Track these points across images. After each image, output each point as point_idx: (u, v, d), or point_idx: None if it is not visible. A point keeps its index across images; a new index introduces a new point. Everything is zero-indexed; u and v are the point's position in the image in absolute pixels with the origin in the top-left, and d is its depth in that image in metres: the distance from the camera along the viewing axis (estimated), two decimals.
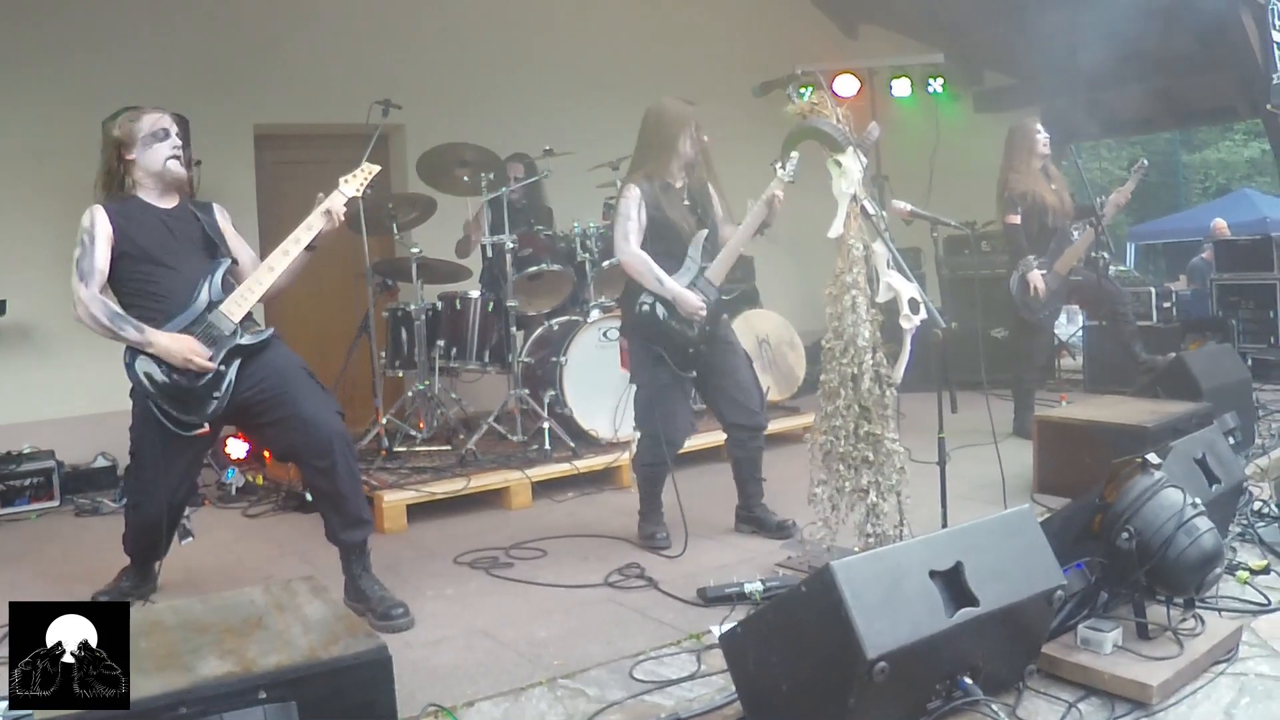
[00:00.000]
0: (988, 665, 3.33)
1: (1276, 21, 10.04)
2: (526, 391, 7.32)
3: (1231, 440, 5.62)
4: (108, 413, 6.68)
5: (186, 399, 4.38)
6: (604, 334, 6.63)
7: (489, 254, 7.82)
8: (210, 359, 4.37)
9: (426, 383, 7.34)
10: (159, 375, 4.35)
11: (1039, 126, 7.98)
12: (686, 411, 5.69)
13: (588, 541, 5.76)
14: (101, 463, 7.51)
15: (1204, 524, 3.77)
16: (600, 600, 4.77)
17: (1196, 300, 13.43)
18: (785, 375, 9.00)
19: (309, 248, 4.60)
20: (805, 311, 8.87)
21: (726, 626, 3.60)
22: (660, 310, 5.36)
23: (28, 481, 7.01)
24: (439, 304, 7.44)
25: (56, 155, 7.43)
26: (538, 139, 7.83)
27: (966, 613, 3.17)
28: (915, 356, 4.69)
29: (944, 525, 4.52)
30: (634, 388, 5.68)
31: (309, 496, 5.18)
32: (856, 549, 4.55)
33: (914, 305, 4.58)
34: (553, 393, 7.24)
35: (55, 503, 7.06)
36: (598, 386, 7.14)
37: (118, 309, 4.39)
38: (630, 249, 5.38)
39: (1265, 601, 4.36)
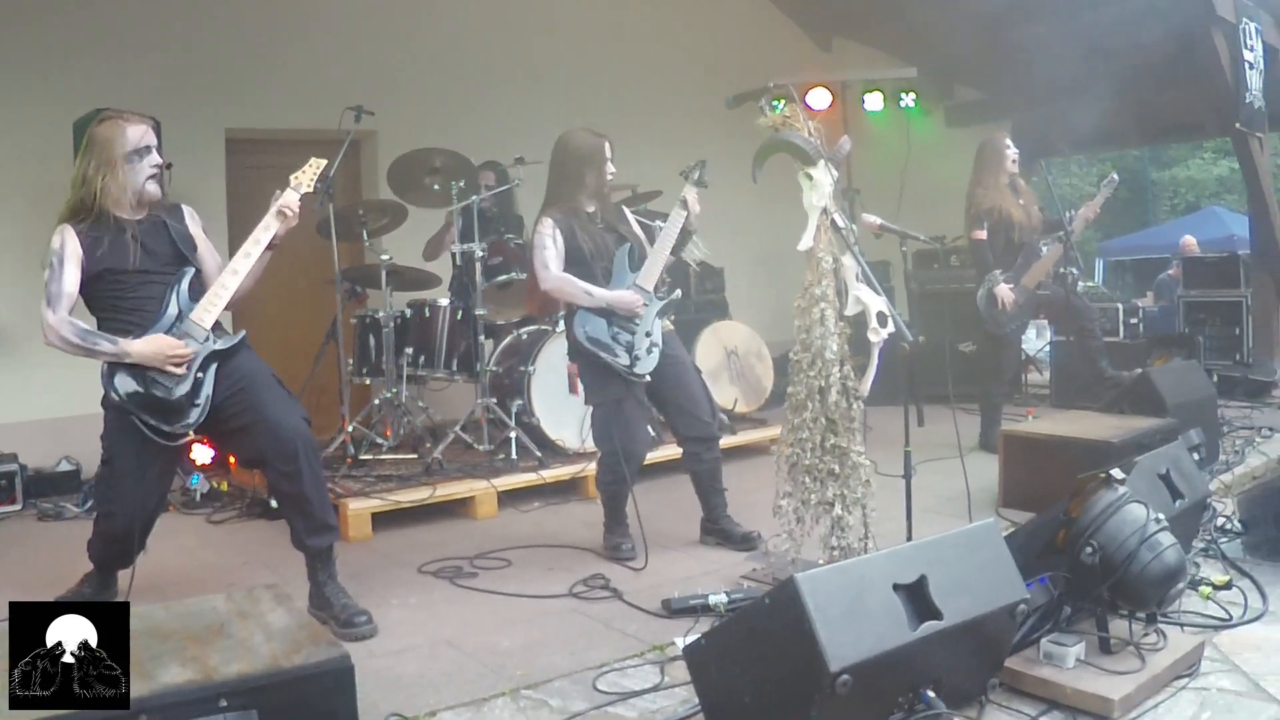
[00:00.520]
0: (951, 678, 3.33)
1: (1248, 41, 10.12)
2: (494, 400, 7.30)
3: (1196, 456, 5.65)
4: (72, 416, 6.67)
5: (168, 409, 4.35)
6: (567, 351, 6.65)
7: (459, 262, 7.79)
8: (188, 366, 4.36)
9: (394, 390, 7.31)
10: (138, 388, 4.32)
11: (1008, 142, 8.01)
12: (644, 425, 5.73)
13: (553, 552, 5.74)
14: (65, 467, 7.46)
15: (1167, 539, 3.79)
16: (564, 611, 4.76)
17: (1164, 316, 13.52)
18: (753, 387, 9.02)
19: (269, 247, 4.58)
20: (774, 323, 8.90)
21: (690, 638, 3.58)
22: (599, 321, 5.43)
23: None
24: (408, 311, 7.40)
25: (25, 158, 7.40)
26: (510, 147, 7.82)
27: (930, 626, 3.17)
28: (883, 370, 4.70)
29: (909, 538, 4.53)
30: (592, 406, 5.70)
31: (274, 503, 5.17)
32: (821, 561, 4.56)
33: (882, 319, 4.59)
34: (520, 402, 7.23)
35: (18, 506, 7.00)
36: (565, 396, 7.13)
37: (87, 326, 4.36)
38: (552, 273, 5.45)
39: (1227, 616, 4.39)
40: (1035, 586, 3.76)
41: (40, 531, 6.57)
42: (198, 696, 2.71)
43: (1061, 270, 8.14)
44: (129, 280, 4.42)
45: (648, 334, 5.49)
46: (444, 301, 7.43)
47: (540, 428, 7.21)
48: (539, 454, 7.08)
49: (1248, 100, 10.24)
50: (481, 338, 7.32)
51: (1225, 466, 6.98)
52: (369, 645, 4.31)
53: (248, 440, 4.53)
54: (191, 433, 4.45)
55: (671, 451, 6.73)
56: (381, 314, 7.28)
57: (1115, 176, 8.46)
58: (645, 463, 5.84)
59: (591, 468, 6.43)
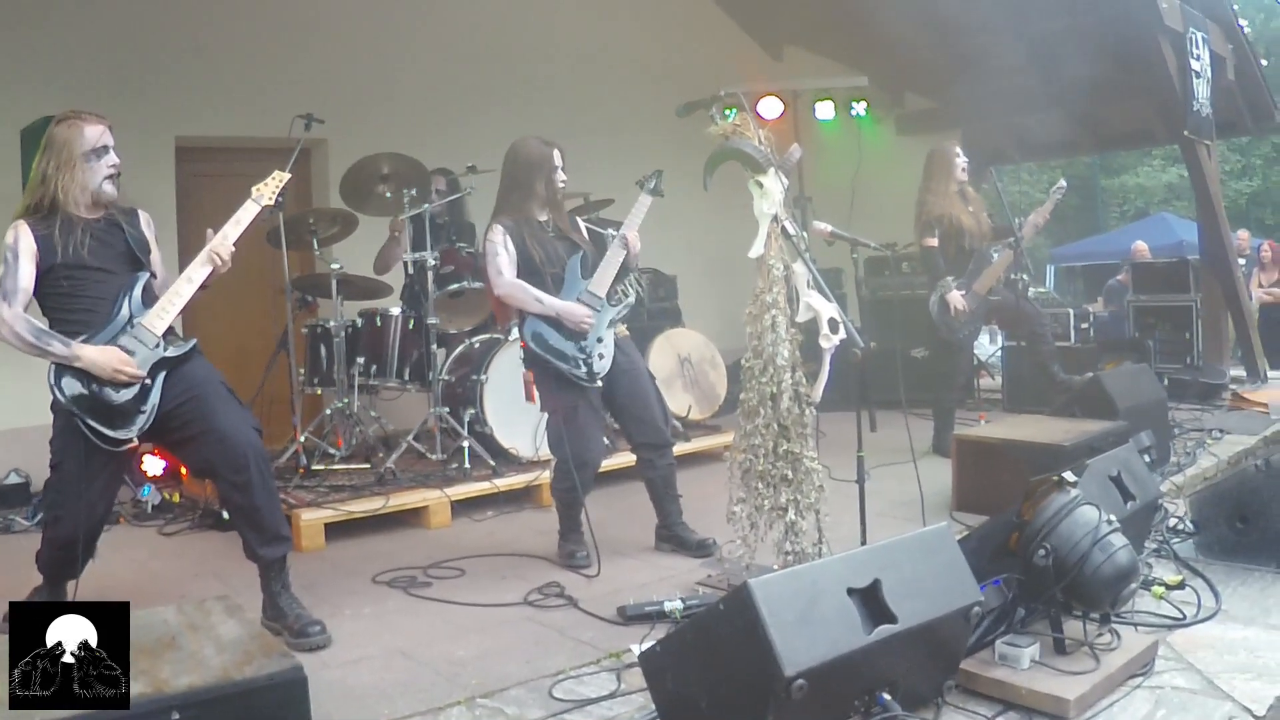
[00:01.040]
0: (906, 681, 3.34)
1: (1195, 50, 10.24)
2: (446, 410, 7.27)
3: (1147, 458, 5.70)
4: (20, 428, 6.59)
5: (113, 414, 4.31)
6: (521, 358, 6.63)
7: (410, 270, 7.76)
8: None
9: (346, 400, 7.27)
10: (84, 390, 4.28)
11: (958, 150, 8.07)
12: (599, 432, 5.73)
13: (507, 560, 5.72)
14: (14, 479, 7.35)
15: (1119, 540, 3.83)
16: (519, 619, 4.74)
17: (1114, 322, 13.68)
18: (706, 394, 9.02)
19: (202, 286, 4.57)
20: (727, 331, 8.89)
21: (646, 645, 3.59)
22: (550, 328, 5.45)
23: None
24: (359, 321, 7.37)
25: None
26: (462, 155, 7.80)
27: (885, 629, 3.18)
28: (835, 376, 4.72)
29: (863, 543, 4.54)
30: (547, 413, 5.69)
31: (226, 514, 5.12)
32: (775, 567, 4.56)
33: (833, 325, 4.61)
34: (473, 411, 7.21)
35: None
36: (518, 405, 7.06)
37: (42, 325, 4.32)
38: (504, 280, 5.48)
39: (1180, 616, 4.44)
40: (989, 589, 3.78)
41: None
42: (149, 709, 2.67)
43: (1013, 276, 8.20)
44: (81, 278, 4.37)
45: (599, 340, 5.50)
46: (395, 310, 7.40)
47: (493, 437, 7.19)
48: (492, 463, 7.05)
49: (1195, 108, 10.37)
50: (434, 347, 7.29)
51: (1177, 468, 7.06)
52: (323, 656, 4.28)
53: (198, 450, 4.49)
54: (137, 439, 4.40)
55: (626, 459, 6.71)
56: (333, 323, 7.24)
57: (1063, 183, 8.55)
58: (600, 470, 5.83)
59: (545, 476, 6.42)
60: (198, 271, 4.51)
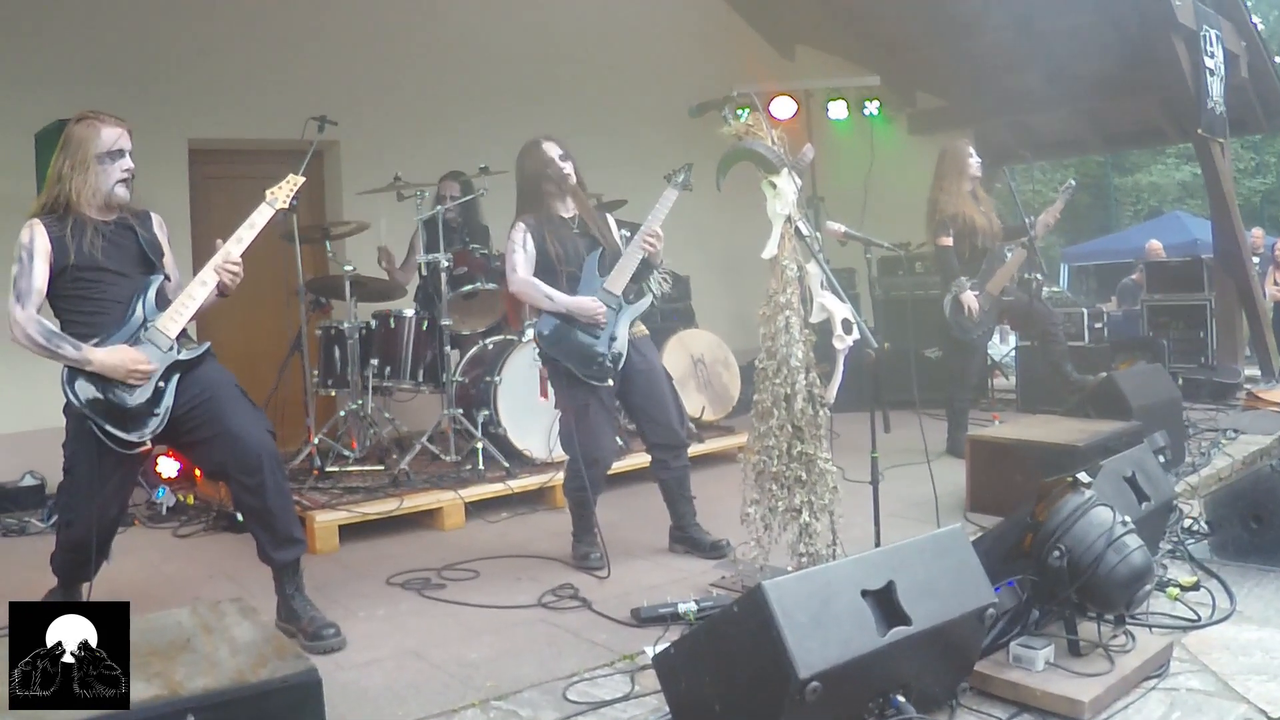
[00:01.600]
0: (920, 683, 3.34)
1: (1208, 48, 10.20)
2: (460, 411, 7.28)
3: (1161, 459, 5.69)
4: (35, 430, 6.59)
5: (125, 417, 4.31)
6: (536, 355, 6.62)
7: (424, 272, 7.77)
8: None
9: (359, 402, 7.28)
10: (97, 394, 4.27)
11: (970, 149, 8.04)
12: (610, 430, 5.72)
13: (521, 562, 5.72)
14: (29, 481, 7.39)
15: (1134, 541, 3.81)
16: (533, 621, 4.73)
17: (1127, 321, 13.63)
18: (720, 395, 9.01)
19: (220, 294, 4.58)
20: (740, 331, 8.89)
21: (660, 647, 3.59)
22: (562, 326, 5.45)
23: None
24: (373, 322, 7.38)
25: None
26: (474, 156, 7.79)
27: (899, 631, 3.17)
28: (848, 376, 4.71)
29: (877, 544, 4.54)
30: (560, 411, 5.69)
31: (239, 516, 5.12)
32: (789, 568, 4.55)
33: (847, 326, 4.60)
34: (486, 412, 7.20)
35: None
36: (532, 406, 7.11)
37: (54, 328, 4.31)
38: (518, 277, 5.49)
39: (1195, 617, 4.42)
40: (1003, 590, 3.77)
41: (4, 547, 6.49)
42: (164, 712, 2.67)
43: (1026, 276, 8.18)
44: (94, 279, 4.37)
45: (612, 339, 5.48)
46: (409, 312, 7.40)
47: (507, 438, 7.19)
48: (506, 464, 7.04)
49: (1209, 106, 10.34)
50: (447, 348, 7.30)
51: (1191, 469, 7.03)
52: (336, 658, 4.28)
53: (211, 452, 4.49)
54: (150, 442, 4.40)
55: (639, 460, 6.72)
56: (346, 325, 7.25)
57: (1072, 182, 8.54)
58: (613, 471, 5.83)
59: (558, 477, 6.42)
60: (210, 275, 4.52)
